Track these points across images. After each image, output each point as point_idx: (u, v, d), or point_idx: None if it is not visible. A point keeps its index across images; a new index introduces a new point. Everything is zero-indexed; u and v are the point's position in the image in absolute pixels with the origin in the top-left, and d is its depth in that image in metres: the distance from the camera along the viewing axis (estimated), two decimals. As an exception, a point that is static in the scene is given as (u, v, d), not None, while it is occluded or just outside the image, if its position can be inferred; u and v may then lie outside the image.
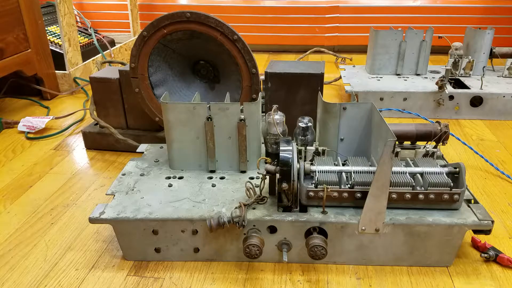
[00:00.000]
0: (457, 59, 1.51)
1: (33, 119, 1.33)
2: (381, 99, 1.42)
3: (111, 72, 1.13)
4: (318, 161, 0.76)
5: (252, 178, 0.83)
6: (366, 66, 1.67)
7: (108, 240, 0.82)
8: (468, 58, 1.52)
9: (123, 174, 0.84)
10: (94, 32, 1.99)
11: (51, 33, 1.83)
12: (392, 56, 1.57)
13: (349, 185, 0.71)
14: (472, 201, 0.74)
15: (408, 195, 0.70)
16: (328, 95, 1.64)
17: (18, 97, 1.62)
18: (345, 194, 0.70)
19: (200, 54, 1.05)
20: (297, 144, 0.79)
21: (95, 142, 1.19)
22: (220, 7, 2.33)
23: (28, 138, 1.27)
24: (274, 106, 0.81)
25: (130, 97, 1.11)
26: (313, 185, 0.71)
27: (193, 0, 2.38)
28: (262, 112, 0.98)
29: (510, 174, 1.04)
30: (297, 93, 1.03)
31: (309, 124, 0.80)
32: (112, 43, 2.09)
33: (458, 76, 1.52)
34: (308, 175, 0.73)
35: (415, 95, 1.40)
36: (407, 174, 0.72)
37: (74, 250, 0.79)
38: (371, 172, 0.71)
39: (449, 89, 1.39)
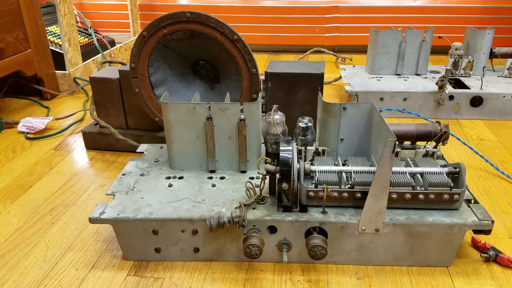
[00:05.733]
0: (457, 59, 1.51)
1: (33, 120, 1.33)
2: (381, 99, 1.42)
3: (111, 72, 1.13)
4: (318, 161, 0.76)
5: (252, 178, 0.83)
6: (366, 66, 1.67)
7: (108, 240, 0.82)
8: (468, 58, 1.52)
9: (123, 174, 0.84)
10: (94, 32, 1.99)
11: (51, 33, 1.83)
12: (392, 56, 1.57)
13: (349, 185, 0.71)
14: (472, 201, 0.74)
15: (408, 195, 0.70)
16: (328, 95, 1.64)
17: (18, 97, 1.62)
18: (345, 194, 0.70)
19: (200, 54, 1.05)
20: (297, 144, 0.79)
21: (95, 142, 1.19)
22: (220, 7, 2.33)
23: (28, 138, 1.27)
24: (274, 106, 0.81)
25: (130, 97, 1.11)
26: (313, 185, 0.71)
27: (193, 0, 2.38)
28: (262, 112, 0.98)
29: (510, 174, 1.04)
30: (297, 93, 1.03)
31: (309, 124, 0.80)
32: (112, 43, 2.09)
33: (458, 76, 1.52)
34: (308, 175, 0.73)
35: (415, 95, 1.40)
36: (407, 174, 0.72)
37: (74, 250, 0.79)
38: (371, 172, 0.71)
39: (449, 89, 1.39)
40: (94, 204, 0.94)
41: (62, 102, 1.60)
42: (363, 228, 0.70)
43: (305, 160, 0.78)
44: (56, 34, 1.84)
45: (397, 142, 0.75)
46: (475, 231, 0.71)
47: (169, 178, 0.83)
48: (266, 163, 0.71)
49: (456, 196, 0.70)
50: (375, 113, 0.78)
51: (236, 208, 0.72)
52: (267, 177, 0.73)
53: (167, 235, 0.73)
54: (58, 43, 1.77)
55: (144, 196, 0.77)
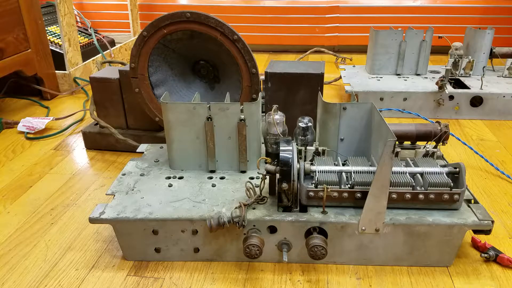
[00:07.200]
0: (457, 59, 1.51)
1: (33, 120, 1.33)
2: (381, 99, 1.42)
3: (111, 72, 1.13)
4: (318, 161, 0.75)
5: (252, 178, 0.83)
6: (366, 66, 1.67)
7: (108, 240, 0.82)
8: (468, 58, 1.52)
9: (123, 174, 0.84)
10: (94, 32, 1.99)
11: (51, 33, 1.83)
12: (392, 56, 1.57)
13: (349, 185, 0.71)
14: (472, 201, 0.74)
15: (408, 195, 0.70)
16: (328, 95, 1.64)
17: (18, 97, 1.62)
18: (345, 194, 0.70)
19: (200, 54, 1.05)
20: (297, 144, 0.79)
21: (95, 142, 1.19)
22: (220, 7, 2.33)
23: (28, 138, 1.27)
24: (274, 106, 0.81)
25: (130, 97, 1.11)
26: (313, 185, 0.71)
27: (193, 0, 2.38)
28: (262, 112, 0.98)
29: (510, 174, 1.04)
30: (297, 93, 1.03)
31: (309, 124, 0.80)
32: (112, 43, 2.09)
33: (458, 76, 1.52)
34: (308, 175, 0.73)
35: (415, 95, 1.40)
36: (407, 174, 0.72)
37: (74, 250, 0.79)
38: (371, 172, 0.71)
39: (449, 89, 1.39)
40: (94, 204, 0.94)
41: (62, 102, 1.60)
42: (363, 228, 0.70)
43: (305, 160, 0.78)
44: (56, 34, 1.84)
45: (397, 142, 0.75)
46: (475, 231, 0.71)
47: (169, 178, 0.83)
48: (266, 163, 0.71)
49: (456, 196, 0.70)
50: (375, 113, 0.78)
51: (236, 208, 0.72)
52: (267, 177, 0.73)
53: (167, 235, 0.73)
54: (58, 43, 1.77)
55: (144, 196, 0.77)
